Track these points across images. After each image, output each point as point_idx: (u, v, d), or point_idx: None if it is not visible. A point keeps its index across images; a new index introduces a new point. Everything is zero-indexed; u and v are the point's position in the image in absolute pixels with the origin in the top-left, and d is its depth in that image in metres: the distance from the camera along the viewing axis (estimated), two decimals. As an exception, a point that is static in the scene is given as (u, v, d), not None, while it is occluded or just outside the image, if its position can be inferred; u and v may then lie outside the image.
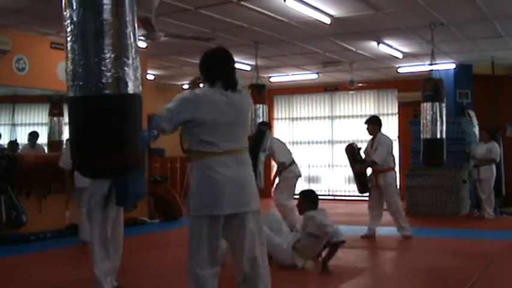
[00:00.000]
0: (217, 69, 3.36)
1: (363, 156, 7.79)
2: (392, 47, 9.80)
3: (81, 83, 2.45)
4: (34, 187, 7.98)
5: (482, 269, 5.58)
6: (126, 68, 2.49)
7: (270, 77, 12.77)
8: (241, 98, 3.40)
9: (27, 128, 10.58)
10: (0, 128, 10.33)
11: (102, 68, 2.43)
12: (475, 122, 11.35)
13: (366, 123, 7.79)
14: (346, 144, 8.10)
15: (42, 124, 10.39)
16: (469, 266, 5.76)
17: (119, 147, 2.53)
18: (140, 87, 2.63)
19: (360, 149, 7.92)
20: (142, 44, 8.47)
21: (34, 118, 10.67)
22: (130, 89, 2.52)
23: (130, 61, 2.52)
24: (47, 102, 9.90)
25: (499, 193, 10.35)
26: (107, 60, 2.43)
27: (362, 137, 13.19)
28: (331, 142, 14.59)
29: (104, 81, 2.43)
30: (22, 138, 10.26)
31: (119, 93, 2.48)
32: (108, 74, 2.44)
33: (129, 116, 2.55)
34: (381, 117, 8.12)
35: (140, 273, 5.64)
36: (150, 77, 12.04)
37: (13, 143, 9.88)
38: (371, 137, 7.72)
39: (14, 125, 10.38)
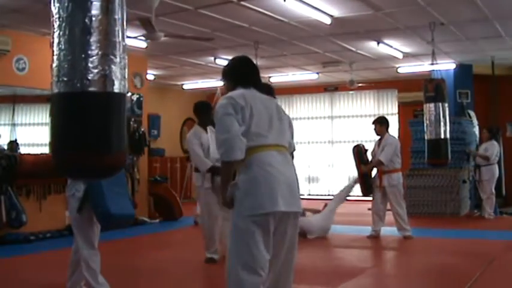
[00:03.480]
0: (250, 74, 3.40)
1: (370, 157, 7.79)
2: (392, 47, 9.80)
3: (65, 79, 2.40)
4: (34, 187, 7.98)
5: (482, 269, 5.57)
6: (113, 66, 2.44)
7: (270, 77, 12.76)
8: (275, 101, 3.45)
9: (27, 128, 10.59)
10: (0, 128, 10.34)
11: (89, 64, 2.38)
12: (475, 122, 11.36)
13: (373, 123, 7.79)
14: (354, 145, 8.13)
15: (42, 124, 10.39)
16: (469, 266, 5.75)
17: (102, 146, 2.46)
18: (126, 86, 2.57)
19: (366, 150, 7.94)
20: (142, 44, 8.49)
21: (34, 118, 10.68)
22: (116, 87, 2.46)
23: (117, 59, 2.46)
24: (47, 102, 9.88)
25: (499, 193, 10.35)
26: (94, 57, 2.38)
27: (362, 137, 13.25)
28: (331, 142, 14.60)
29: (89, 77, 2.38)
30: (22, 138, 10.27)
31: (104, 91, 2.42)
32: (95, 70, 2.39)
33: (114, 114, 2.48)
34: (381, 118, 8.11)
35: (140, 273, 5.64)
36: (150, 77, 12.03)
37: (13, 143, 9.89)
38: (372, 137, 7.73)
39: (14, 125, 10.39)
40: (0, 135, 9.81)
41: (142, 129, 10.08)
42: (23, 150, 9.71)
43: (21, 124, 10.55)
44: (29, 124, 10.62)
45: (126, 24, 2.60)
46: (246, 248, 3.05)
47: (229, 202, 3.16)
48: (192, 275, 5.66)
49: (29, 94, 9.63)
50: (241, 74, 3.40)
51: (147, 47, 8.95)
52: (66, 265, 4.55)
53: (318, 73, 12.50)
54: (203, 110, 6.15)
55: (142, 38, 7.33)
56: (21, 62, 8.39)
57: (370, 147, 8.16)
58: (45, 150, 9.88)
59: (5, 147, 9.50)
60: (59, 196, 8.06)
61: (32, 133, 10.54)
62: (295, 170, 3.32)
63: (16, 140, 10.13)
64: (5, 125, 10.43)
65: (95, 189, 4.16)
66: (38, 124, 10.53)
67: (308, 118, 14.92)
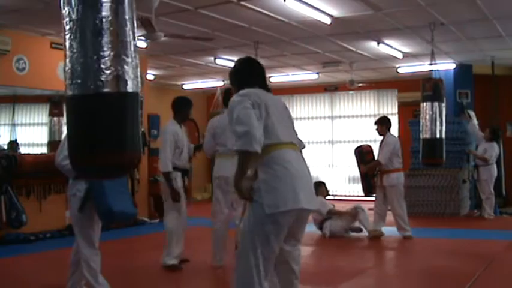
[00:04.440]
0: (255, 75, 3.43)
1: (376, 157, 7.80)
2: (392, 47, 9.79)
3: (79, 81, 2.42)
4: (34, 187, 7.98)
5: (482, 269, 5.58)
6: (125, 66, 2.46)
7: (270, 77, 12.76)
8: (282, 100, 3.52)
9: (27, 128, 10.59)
10: (0, 128, 10.33)
11: (101, 65, 2.40)
12: (475, 121, 11.35)
13: (375, 124, 7.81)
14: (356, 146, 8.20)
15: (42, 124, 10.39)
16: (469, 266, 5.76)
17: (118, 145, 2.49)
18: (139, 85, 2.59)
19: (371, 150, 7.97)
20: (142, 44, 8.48)
21: (34, 118, 10.68)
22: (130, 87, 2.49)
23: (129, 59, 2.48)
24: (47, 102, 9.91)
25: (499, 193, 10.35)
26: (106, 58, 2.40)
27: (362, 137, 13.25)
28: (331, 142, 14.59)
29: (102, 79, 2.40)
30: (22, 138, 10.27)
31: (118, 91, 2.44)
32: (107, 71, 2.41)
33: (129, 114, 2.52)
34: (381, 118, 8.12)
35: (140, 273, 5.64)
36: (150, 77, 12.03)
37: (13, 143, 9.89)
38: (372, 137, 7.77)
39: (14, 125, 10.38)
40: (0, 135, 9.81)
41: (142, 129, 10.09)
42: (23, 150, 9.72)
43: (21, 124, 10.55)
44: (29, 124, 10.61)
45: (136, 24, 2.61)
46: (262, 250, 3.07)
47: (247, 194, 3.12)
48: (191, 275, 5.66)
49: (29, 94, 9.63)
50: (247, 75, 3.42)
51: (147, 47, 8.95)
52: (66, 265, 4.55)
53: (318, 73, 12.50)
54: (183, 105, 5.90)
55: (142, 38, 7.33)
56: (21, 62, 8.39)
57: (370, 147, 8.21)
58: (45, 150, 9.89)
59: (5, 147, 9.51)
60: (59, 196, 8.07)
61: (32, 133, 10.53)
62: (308, 167, 3.35)
63: (16, 140, 10.13)
64: (5, 125, 10.43)
65: (97, 188, 4.17)
66: (38, 124, 10.53)
67: (308, 118, 14.92)
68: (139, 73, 2.58)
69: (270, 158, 3.15)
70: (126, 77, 2.47)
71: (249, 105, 3.11)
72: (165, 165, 5.56)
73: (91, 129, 2.45)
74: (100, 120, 2.44)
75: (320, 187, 8.02)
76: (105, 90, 2.42)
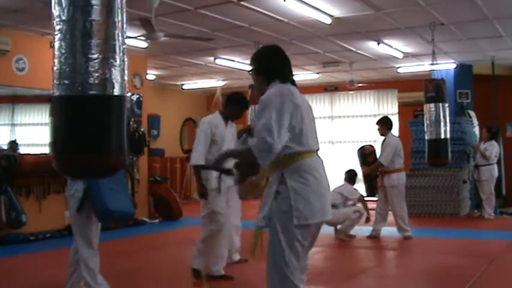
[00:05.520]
0: (286, 67, 3.14)
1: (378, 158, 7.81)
2: (392, 47, 9.80)
3: (67, 82, 2.43)
4: (34, 187, 7.98)
5: (482, 269, 5.58)
6: (113, 70, 2.47)
7: (270, 77, 12.73)
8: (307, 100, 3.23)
9: (27, 128, 10.58)
10: (0, 128, 10.33)
11: (90, 68, 2.41)
12: (475, 122, 11.36)
13: (376, 124, 7.83)
14: (359, 147, 8.23)
15: (42, 124, 10.39)
16: (469, 266, 5.76)
17: (103, 148, 2.50)
18: (126, 88, 2.61)
19: (374, 151, 7.97)
20: (142, 44, 8.49)
21: (34, 118, 10.68)
22: (117, 90, 2.50)
23: (117, 62, 2.49)
24: (47, 102, 9.89)
25: (499, 193, 10.35)
26: (95, 61, 2.42)
27: (362, 137, 13.25)
28: (331, 142, 14.59)
29: (90, 81, 2.42)
30: (22, 138, 10.27)
31: (105, 94, 2.46)
32: (95, 74, 2.42)
33: (115, 117, 2.52)
34: (381, 118, 8.13)
35: (140, 273, 5.64)
36: (150, 77, 12.03)
37: (13, 143, 9.89)
38: (372, 137, 7.76)
39: (14, 125, 10.38)
40: (0, 135, 9.80)
41: (142, 129, 10.08)
42: (23, 150, 9.71)
43: (21, 124, 10.55)
44: (29, 124, 10.62)
45: (126, 25, 2.62)
46: (295, 261, 2.95)
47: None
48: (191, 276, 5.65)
49: (29, 94, 9.63)
50: (280, 67, 3.13)
51: (147, 47, 8.96)
52: (66, 265, 4.55)
53: (318, 73, 12.50)
54: (232, 101, 5.30)
55: (142, 38, 7.33)
56: (21, 62, 8.39)
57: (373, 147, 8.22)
58: (45, 150, 9.89)
59: (5, 147, 9.51)
60: (58, 196, 8.07)
61: (32, 133, 10.53)
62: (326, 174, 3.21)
63: (16, 140, 10.13)
64: (5, 125, 10.43)
65: (94, 188, 4.17)
66: (38, 124, 10.53)
67: (308, 118, 14.90)
68: (126, 76, 2.58)
69: (301, 166, 2.97)
70: (114, 81, 2.48)
71: (287, 108, 2.89)
72: (195, 157, 5.06)
73: (76, 131, 2.46)
74: (86, 122, 2.45)
75: (356, 177, 8.04)
76: (92, 92, 2.43)
